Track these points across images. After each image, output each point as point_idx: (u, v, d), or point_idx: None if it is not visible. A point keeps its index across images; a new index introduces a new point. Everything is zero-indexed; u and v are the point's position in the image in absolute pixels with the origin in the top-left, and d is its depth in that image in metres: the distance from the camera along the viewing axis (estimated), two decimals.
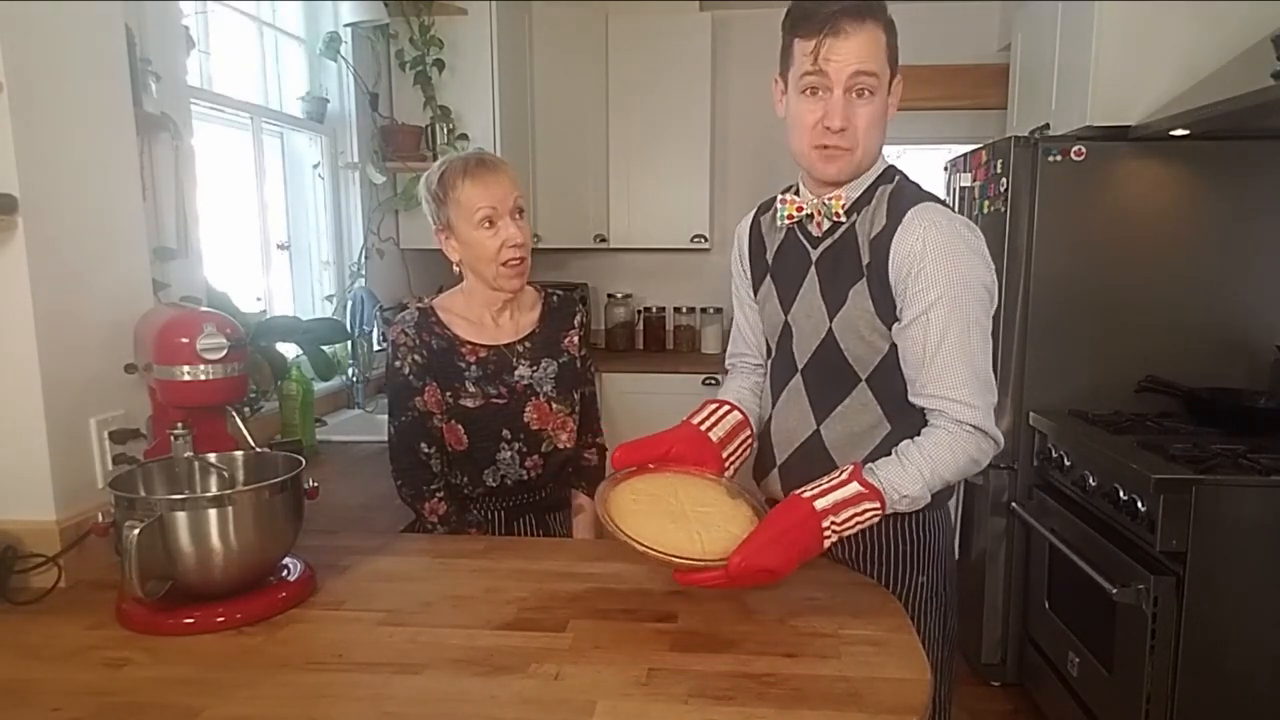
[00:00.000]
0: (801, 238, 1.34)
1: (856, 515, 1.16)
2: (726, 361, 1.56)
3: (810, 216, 1.31)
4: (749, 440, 1.41)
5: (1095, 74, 2.53)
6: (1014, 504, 2.61)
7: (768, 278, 1.40)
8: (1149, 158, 2.49)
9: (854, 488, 1.16)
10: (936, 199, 1.28)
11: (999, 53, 3.63)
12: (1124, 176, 2.50)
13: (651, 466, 1.29)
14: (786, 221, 1.34)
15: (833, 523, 1.14)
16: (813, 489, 1.17)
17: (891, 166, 1.32)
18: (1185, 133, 2.40)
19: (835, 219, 1.29)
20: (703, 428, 1.36)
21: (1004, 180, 2.58)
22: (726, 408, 1.40)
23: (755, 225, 1.45)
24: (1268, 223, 2.46)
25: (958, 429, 1.21)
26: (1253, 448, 2.02)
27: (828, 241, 1.30)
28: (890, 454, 1.23)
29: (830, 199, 1.28)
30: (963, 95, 3.81)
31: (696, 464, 1.31)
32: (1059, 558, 2.32)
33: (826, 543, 1.15)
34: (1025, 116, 3.13)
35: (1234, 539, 1.89)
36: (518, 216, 1.53)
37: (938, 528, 1.36)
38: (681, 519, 1.17)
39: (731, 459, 1.38)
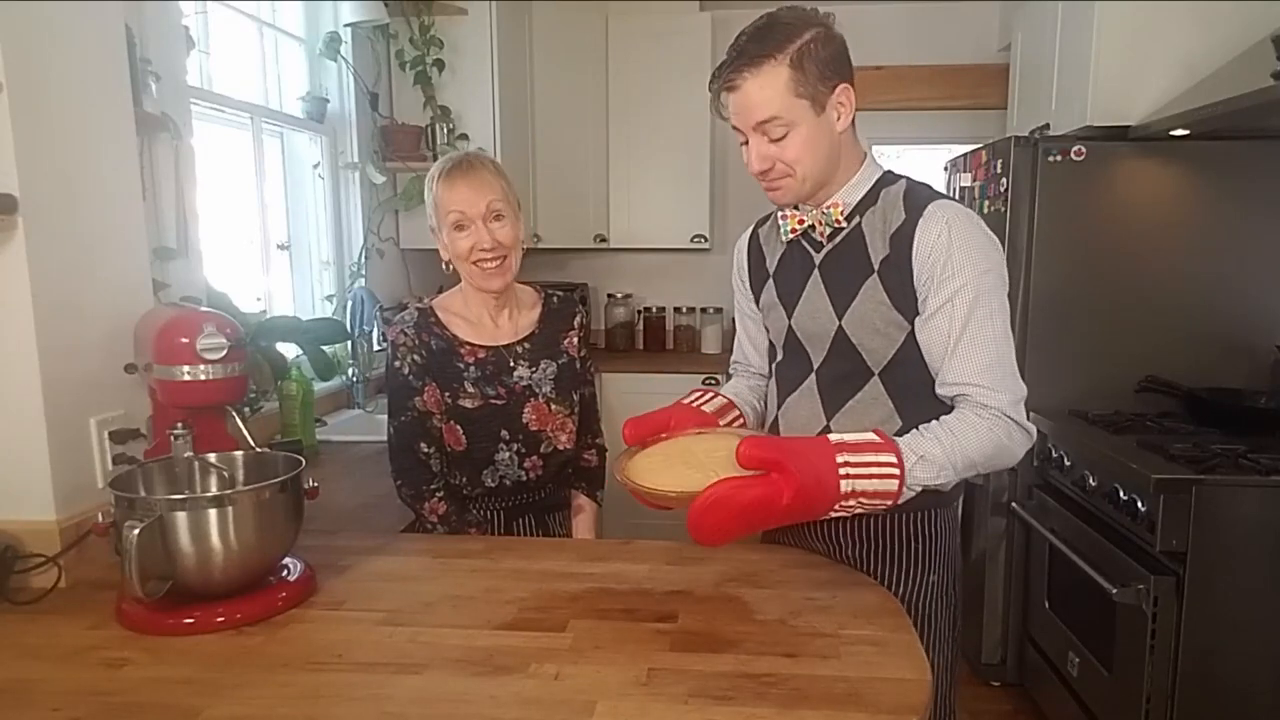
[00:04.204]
0: (805, 244, 1.36)
1: (874, 464, 1.12)
2: (730, 367, 1.60)
3: (813, 227, 1.33)
4: (739, 420, 1.47)
5: (1095, 74, 2.54)
6: (1014, 504, 2.61)
7: (769, 285, 1.42)
8: (1149, 158, 2.49)
9: (869, 436, 1.15)
10: (950, 197, 1.31)
11: (999, 53, 3.63)
12: (1124, 176, 2.50)
13: (663, 436, 1.32)
14: (790, 235, 1.36)
15: (848, 461, 1.11)
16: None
17: (890, 170, 1.34)
18: (1185, 133, 2.40)
19: (836, 225, 1.31)
20: (693, 405, 1.43)
21: (1004, 180, 2.58)
22: (711, 393, 1.47)
23: (754, 237, 1.49)
24: (1268, 223, 2.46)
25: (983, 413, 1.21)
26: (1253, 448, 2.02)
27: (831, 245, 1.32)
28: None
29: (828, 208, 1.30)
30: (963, 95, 3.81)
31: (701, 425, 1.36)
32: (1059, 558, 2.32)
33: (844, 484, 1.10)
34: (1025, 116, 3.13)
35: (1234, 539, 1.89)
36: (494, 220, 1.51)
37: (948, 527, 1.36)
38: (699, 466, 1.19)
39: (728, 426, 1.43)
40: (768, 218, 1.46)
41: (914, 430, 1.21)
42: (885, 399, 1.30)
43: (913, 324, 1.26)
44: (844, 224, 1.30)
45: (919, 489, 1.16)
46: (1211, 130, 2.35)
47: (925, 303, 1.24)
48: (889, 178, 1.32)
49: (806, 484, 1.08)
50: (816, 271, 1.33)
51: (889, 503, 1.14)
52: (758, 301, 1.46)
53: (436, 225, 1.55)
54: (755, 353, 1.54)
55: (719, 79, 1.25)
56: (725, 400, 1.47)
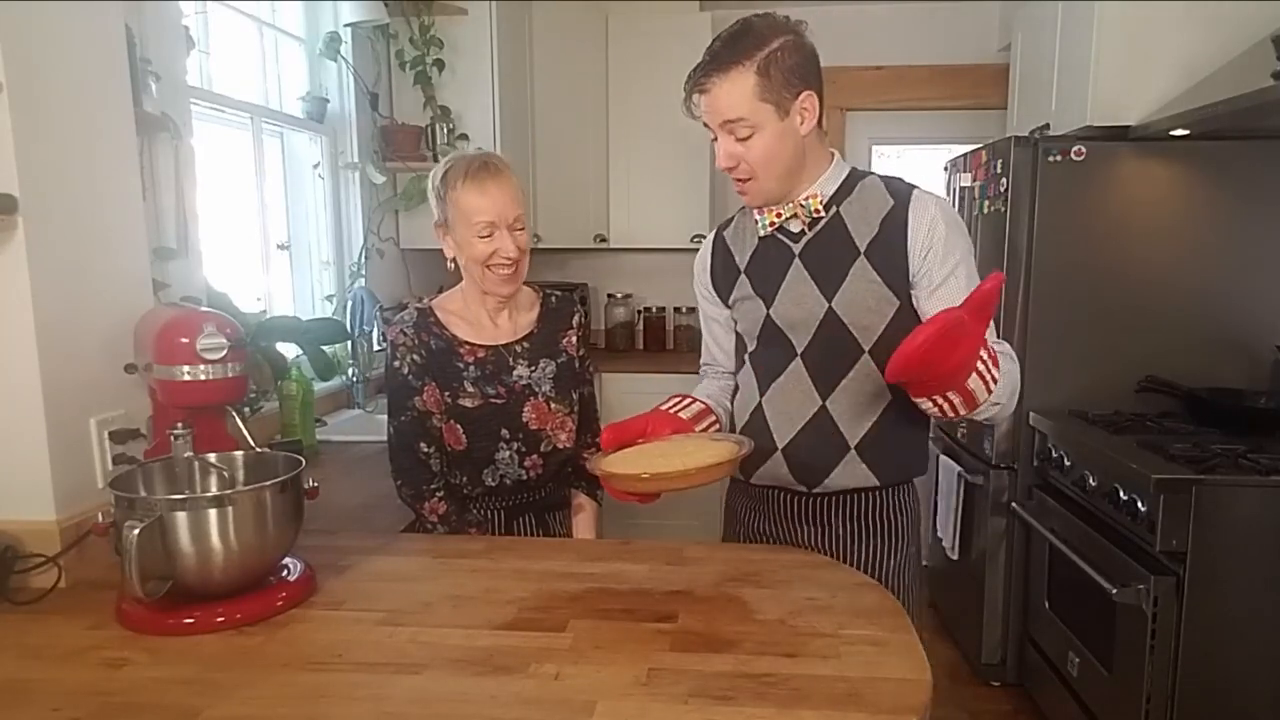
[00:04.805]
0: (781, 237, 1.43)
1: (988, 373, 1.21)
2: (700, 369, 1.66)
3: (794, 216, 1.40)
4: (715, 424, 1.52)
5: (1095, 74, 2.54)
6: (1014, 504, 2.61)
7: (741, 281, 1.48)
8: (1149, 158, 2.49)
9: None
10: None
11: (999, 53, 3.62)
12: (1124, 176, 2.50)
13: (640, 441, 1.37)
14: (769, 229, 1.42)
15: (984, 359, 1.20)
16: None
17: (856, 167, 1.44)
18: (1185, 133, 2.40)
19: (816, 214, 1.38)
20: (671, 410, 1.47)
21: (1004, 180, 2.58)
22: (688, 399, 1.52)
23: (719, 241, 1.55)
24: (1268, 223, 2.46)
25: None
26: (1253, 448, 2.02)
27: (811, 234, 1.40)
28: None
29: (807, 199, 1.38)
30: (963, 95, 3.81)
31: (678, 430, 1.41)
32: (1059, 558, 2.32)
33: (971, 379, 1.19)
34: (1025, 116, 3.13)
35: (1234, 539, 1.89)
36: (516, 228, 1.52)
37: (919, 499, 1.51)
38: (666, 457, 1.26)
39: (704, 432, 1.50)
40: (730, 221, 1.54)
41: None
42: (876, 374, 1.37)
43: (902, 300, 1.36)
44: (823, 213, 1.38)
45: (983, 409, 1.26)
46: (1211, 130, 2.35)
47: (929, 275, 1.34)
48: (858, 173, 1.42)
49: (969, 350, 1.16)
50: (797, 260, 1.40)
51: (963, 413, 1.24)
52: (726, 299, 1.52)
53: (450, 223, 1.53)
54: (723, 354, 1.60)
55: (690, 80, 1.35)
56: (702, 406, 1.51)
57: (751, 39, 1.29)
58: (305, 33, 2.79)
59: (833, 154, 1.42)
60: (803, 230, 1.40)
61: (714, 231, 1.58)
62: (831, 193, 1.39)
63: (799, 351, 1.41)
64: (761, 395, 1.46)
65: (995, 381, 1.23)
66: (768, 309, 1.43)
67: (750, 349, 1.50)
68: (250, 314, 2.04)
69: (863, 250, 1.36)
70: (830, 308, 1.37)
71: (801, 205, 1.38)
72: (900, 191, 1.37)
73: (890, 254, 1.35)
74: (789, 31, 1.31)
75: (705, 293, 1.57)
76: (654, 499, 1.28)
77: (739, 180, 1.37)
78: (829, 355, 1.39)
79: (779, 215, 1.40)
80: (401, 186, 3.14)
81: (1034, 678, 2.60)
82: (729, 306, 1.52)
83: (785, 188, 1.37)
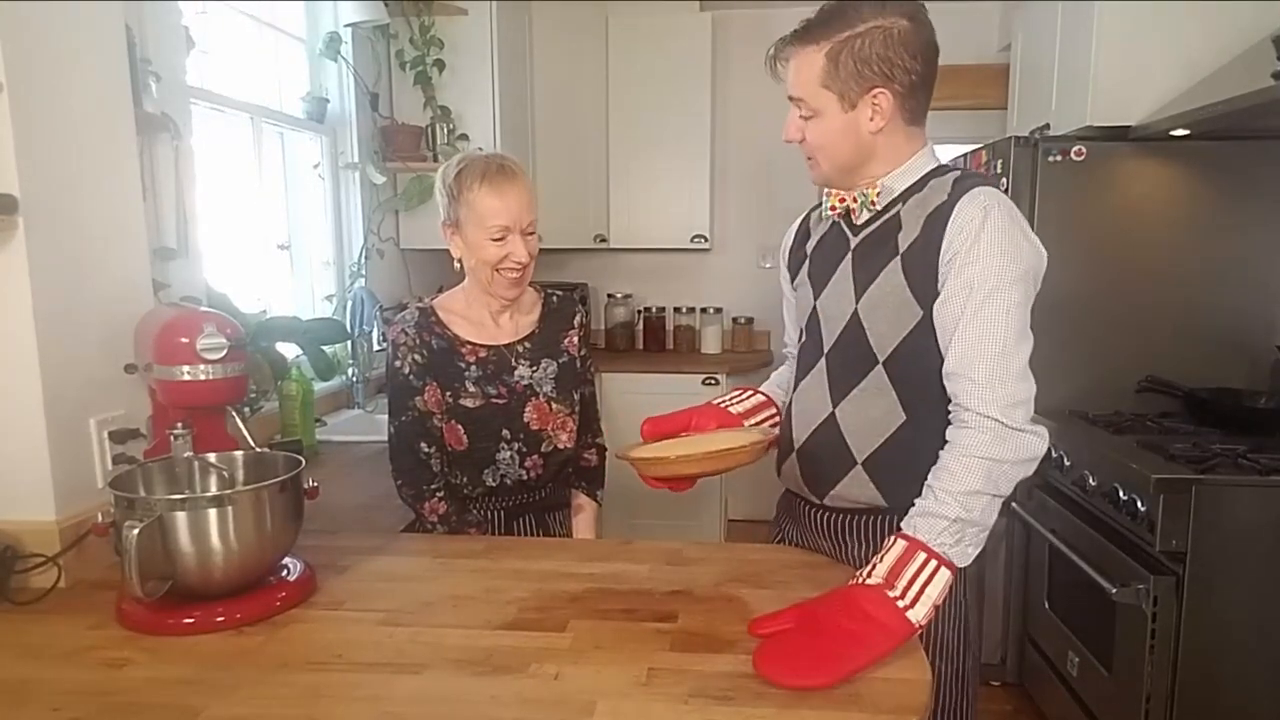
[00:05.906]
0: (845, 227, 1.34)
1: (918, 572, 1.07)
2: (783, 350, 1.59)
3: (850, 209, 1.32)
4: (774, 418, 1.46)
5: (1095, 74, 2.53)
6: (1014, 504, 2.60)
7: (805, 264, 1.41)
8: (1149, 158, 2.49)
9: (898, 545, 1.10)
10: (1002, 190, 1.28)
11: (999, 53, 3.63)
12: (1124, 176, 2.50)
13: (682, 435, 1.37)
14: (830, 213, 1.35)
15: (902, 590, 1.06)
16: (858, 575, 1.11)
17: (945, 164, 1.31)
18: (1185, 133, 2.40)
19: (871, 208, 1.28)
20: (722, 404, 1.45)
21: (1004, 180, 2.58)
22: (749, 391, 1.48)
23: (804, 221, 1.47)
24: (1268, 223, 2.46)
25: (963, 425, 1.16)
26: (1253, 448, 2.02)
27: (869, 229, 1.30)
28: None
29: (867, 190, 1.28)
30: (963, 95, 3.80)
31: (723, 424, 1.39)
32: (1059, 558, 2.32)
33: (918, 613, 1.05)
34: (1025, 116, 3.13)
35: (1234, 539, 1.89)
36: (529, 232, 1.53)
37: None
38: (695, 444, 1.27)
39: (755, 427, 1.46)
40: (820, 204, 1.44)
41: (916, 503, 1.15)
42: (889, 389, 1.25)
43: (926, 311, 1.21)
44: (879, 207, 1.28)
45: (973, 551, 1.13)
46: (1211, 130, 2.35)
47: (945, 282, 1.19)
48: (941, 169, 1.29)
49: (860, 657, 1.00)
50: (850, 255, 1.31)
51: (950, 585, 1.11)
52: (794, 280, 1.45)
53: (460, 224, 1.53)
54: (795, 332, 1.51)
55: (775, 44, 1.28)
56: (762, 398, 1.47)
57: (839, 19, 1.20)
58: (305, 33, 2.79)
59: (921, 147, 1.28)
60: (863, 224, 1.30)
61: (805, 212, 1.48)
62: (900, 189, 1.27)
63: (825, 351, 1.33)
64: (793, 391, 1.40)
65: (932, 561, 1.08)
66: (815, 299, 1.36)
67: (801, 340, 1.42)
68: (250, 314, 2.04)
69: (901, 251, 1.23)
70: (855, 309, 1.27)
71: (861, 194, 1.28)
72: (962, 188, 1.21)
73: (925, 256, 1.20)
74: (894, 16, 1.18)
75: (783, 270, 1.50)
76: (686, 486, 1.29)
77: (807, 158, 1.31)
78: (846, 360, 1.29)
79: (841, 200, 1.31)
80: (401, 186, 3.14)
81: (1034, 678, 2.60)
82: (795, 289, 1.45)
83: (847, 177, 1.29)
